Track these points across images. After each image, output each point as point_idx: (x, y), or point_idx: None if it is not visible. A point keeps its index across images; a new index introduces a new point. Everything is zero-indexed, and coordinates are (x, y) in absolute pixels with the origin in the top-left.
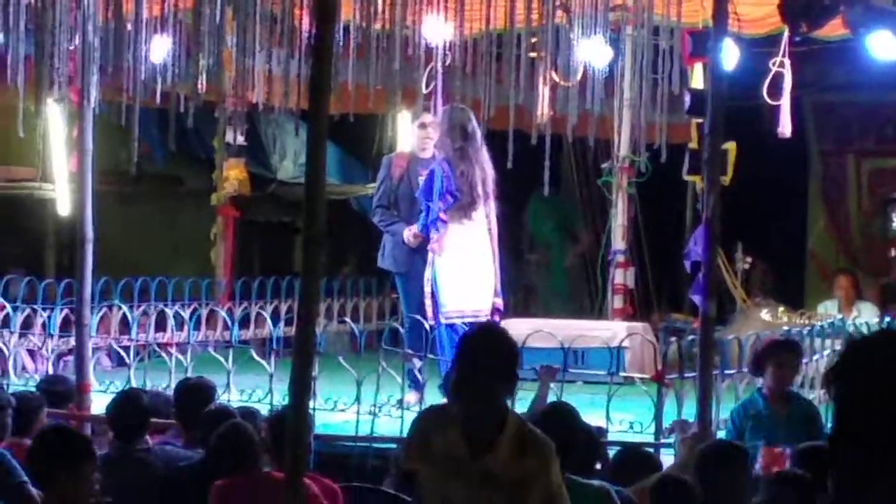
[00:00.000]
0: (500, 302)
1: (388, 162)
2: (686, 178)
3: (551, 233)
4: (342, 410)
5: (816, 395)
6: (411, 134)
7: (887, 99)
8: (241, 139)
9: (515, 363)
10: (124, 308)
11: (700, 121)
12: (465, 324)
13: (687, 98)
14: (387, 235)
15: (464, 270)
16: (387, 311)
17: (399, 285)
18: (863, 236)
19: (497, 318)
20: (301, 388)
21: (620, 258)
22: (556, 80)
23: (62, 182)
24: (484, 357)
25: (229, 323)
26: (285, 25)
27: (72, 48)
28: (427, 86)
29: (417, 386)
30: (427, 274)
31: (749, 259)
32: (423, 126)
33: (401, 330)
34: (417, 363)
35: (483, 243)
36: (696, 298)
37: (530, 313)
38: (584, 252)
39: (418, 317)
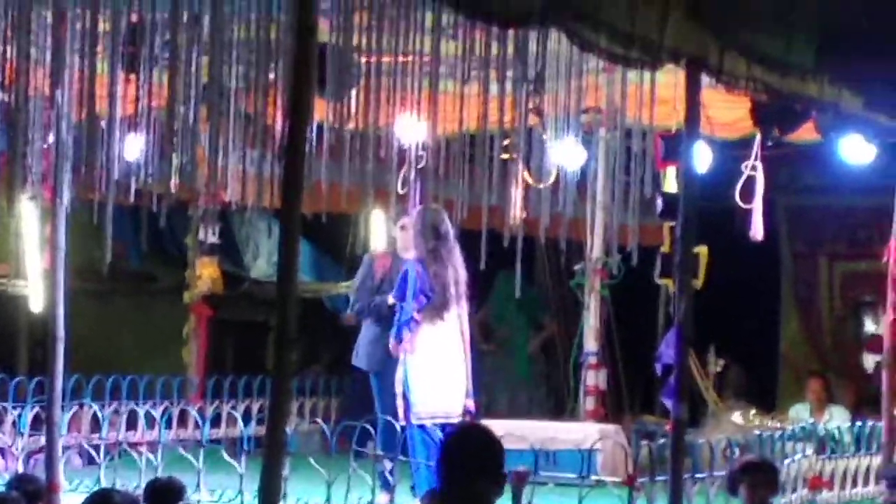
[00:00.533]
0: (471, 403)
1: (370, 261)
2: (658, 281)
3: (515, 316)
4: None
5: (788, 500)
6: (395, 235)
7: (859, 202)
8: (214, 238)
9: (502, 461)
10: (95, 407)
11: (672, 224)
12: (435, 425)
13: (659, 202)
14: (362, 334)
15: (435, 371)
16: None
17: (373, 384)
18: (835, 339)
19: (468, 420)
20: (271, 489)
21: (592, 360)
22: (529, 181)
23: (35, 278)
24: (469, 458)
25: (200, 422)
26: (258, 125)
27: (45, 146)
28: (402, 186)
29: (388, 487)
30: (399, 374)
31: (721, 361)
32: (404, 228)
33: (371, 430)
34: (388, 464)
35: (455, 344)
36: (668, 402)
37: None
38: (549, 339)
39: (389, 418)
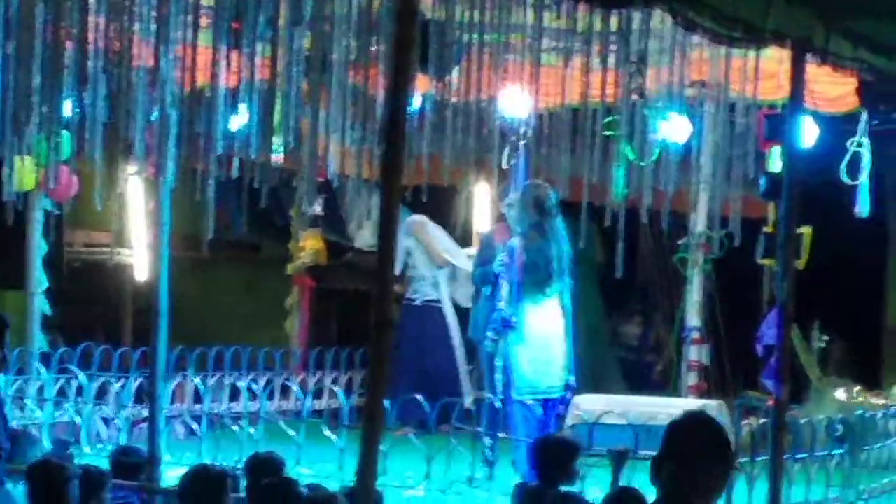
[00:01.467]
0: (572, 379)
1: (489, 239)
2: (760, 261)
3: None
4: (411, 487)
5: (892, 480)
6: (504, 213)
7: None
8: (318, 209)
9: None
10: (197, 380)
11: (776, 203)
12: (536, 401)
13: (762, 181)
14: (479, 307)
15: (537, 347)
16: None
17: (483, 355)
18: None
19: (569, 396)
20: (368, 465)
21: (696, 335)
22: (632, 158)
23: (140, 248)
24: (704, 457)
25: (300, 395)
26: (361, 100)
27: (150, 122)
28: (507, 161)
29: (488, 464)
30: (500, 349)
31: (826, 337)
32: (510, 206)
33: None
34: (488, 440)
35: (557, 319)
36: (770, 382)
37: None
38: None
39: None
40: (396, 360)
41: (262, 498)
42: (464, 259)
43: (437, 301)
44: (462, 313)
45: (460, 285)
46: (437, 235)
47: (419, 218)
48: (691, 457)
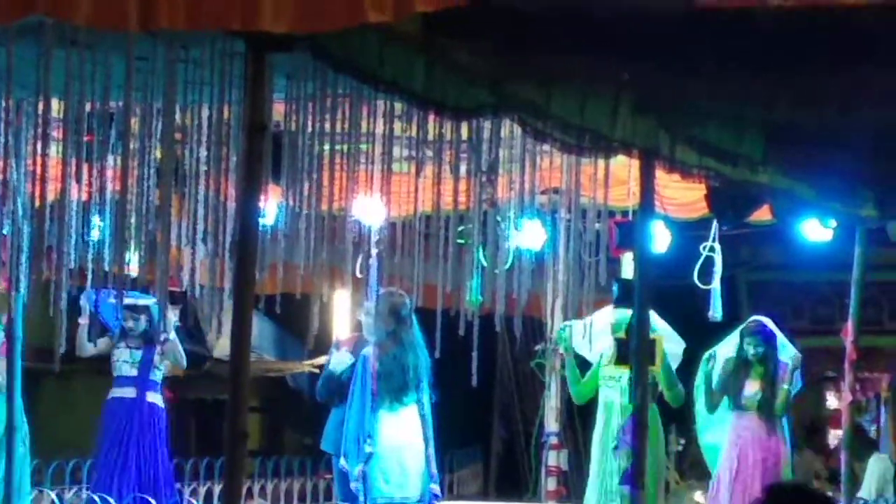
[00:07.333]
0: (436, 488)
1: (336, 347)
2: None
3: None
4: None
5: None
6: (360, 320)
7: (820, 278)
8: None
9: None
10: (53, 494)
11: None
12: None
13: (615, 288)
14: (330, 418)
15: (393, 454)
16: (321, 493)
17: (336, 468)
18: (799, 415)
19: None
20: None
21: (554, 440)
22: (485, 265)
23: None
24: None
25: None
26: (215, 211)
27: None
28: (360, 269)
29: None
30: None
31: (682, 441)
32: (368, 314)
33: None
34: None
35: (414, 428)
36: (627, 488)
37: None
38: None
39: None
40: None
41: None
42: None
43: None
44: None
45: None
46: None
47: None
48: None
